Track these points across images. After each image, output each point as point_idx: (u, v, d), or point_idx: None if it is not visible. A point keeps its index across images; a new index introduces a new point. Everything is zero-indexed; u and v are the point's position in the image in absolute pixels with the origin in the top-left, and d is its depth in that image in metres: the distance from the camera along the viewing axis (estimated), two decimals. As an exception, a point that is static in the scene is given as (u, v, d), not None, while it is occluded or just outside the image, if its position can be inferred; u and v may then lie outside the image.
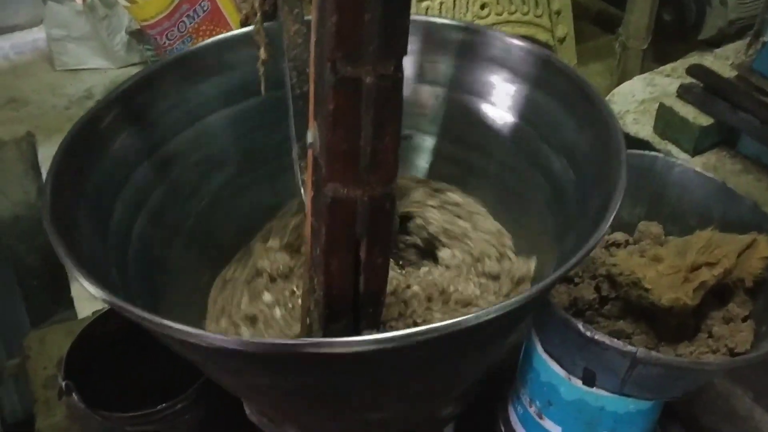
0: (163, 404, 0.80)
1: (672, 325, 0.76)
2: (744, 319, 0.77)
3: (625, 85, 1.16)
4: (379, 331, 0.46)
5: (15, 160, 1.62)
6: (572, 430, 0.86)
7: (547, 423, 0.87)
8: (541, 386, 0.86)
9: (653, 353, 0.65)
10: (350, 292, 0.42)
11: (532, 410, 0.89)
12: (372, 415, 0.51)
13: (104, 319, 0.90)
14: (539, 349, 0.84)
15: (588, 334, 0.67)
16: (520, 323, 0.56)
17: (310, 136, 0.39)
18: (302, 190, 0.57)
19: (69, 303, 1.52)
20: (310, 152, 0.41)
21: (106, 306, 0.93)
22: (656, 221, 0.87)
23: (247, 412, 0.72)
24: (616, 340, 0.66)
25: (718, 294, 0.78)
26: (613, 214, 0.47)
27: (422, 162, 0.74)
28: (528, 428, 0.92)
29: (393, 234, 0.43)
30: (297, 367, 0.40)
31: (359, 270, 0.42)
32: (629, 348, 0.66)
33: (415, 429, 0.60)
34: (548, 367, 0.83)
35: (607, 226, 0.46)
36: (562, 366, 0.80)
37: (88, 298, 1.22)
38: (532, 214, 0.68)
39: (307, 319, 0.50)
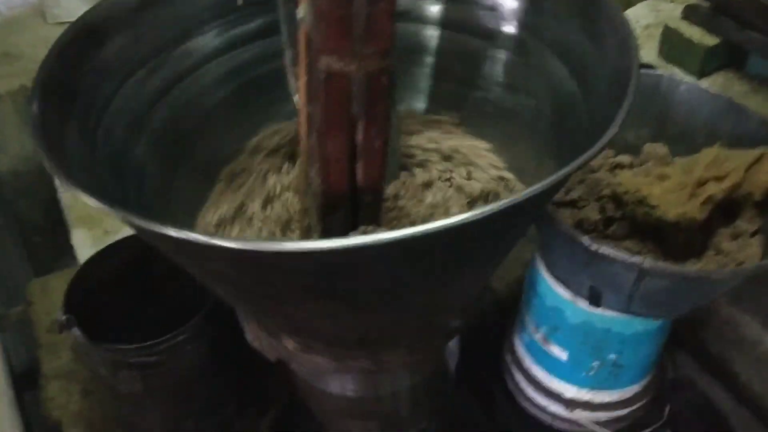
0: (165, 336, 0.79)
1: (679, 242, 0.75)
2: (752, 235, 0.75)
3: (629, 12, 1.13)
4: (378, 226, 0.44)
5: (11, 114, 1.60)
6: (578, 355, 0.85)
7: (553, 348, 0.87)
8: (547, 311, 0.85)
9: (660, 263, 0.64)
10: (347, 178, 0.40)
11: (537, 337, 0.88)
12: (369, 319, 0.49)
13: (103, 257, 0.89)
14: (544, 273, 0.83)
15: (593, 248, 0.66)
16: (527, 222, 0.54)
17: (301, 10, 0.37)
18: (295, 98, 0.56)
19: (72, 257, 1.52)
20: (303, 33, 0.39)
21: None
22: (662, 142, 0.85)
23: (249, 338, 0.71)
24: (622, 252, 0.65)
25: (726, 211, 0.77)
26: (628, 106, 0.45)
27: (423, 85, 0.72)
28: (534, 355, 0.91)
29: (392, 117, 0.41)
30: (293, 268, 0.39)
31: (356, 156, 0.40)
32: (635, 259, 0.64)
33: (416, 342, 0.59)
34: (553, 291, 0.82)
35: (622, 116, 0.44)
36: (567, 288, 0.79)
37: (89, 245, 1.21)
38: (537, 131, 0.65)
39: (306, 221, 0.49)
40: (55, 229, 1.56)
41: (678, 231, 0.74)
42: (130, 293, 0.91)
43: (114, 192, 0.54)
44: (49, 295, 1.16)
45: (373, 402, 0.71)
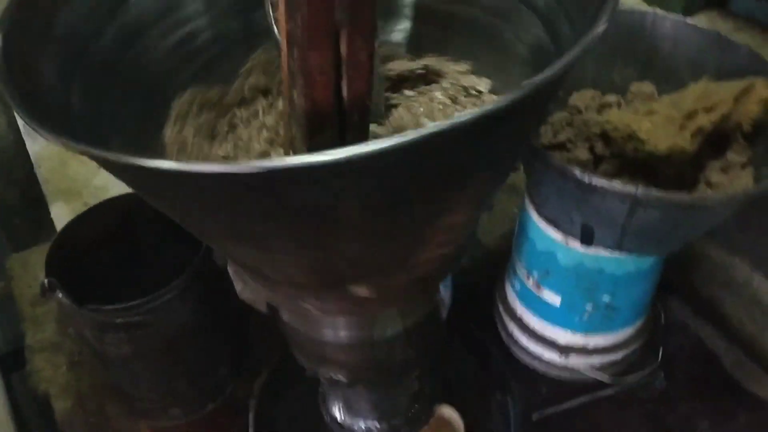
0: (152, 294, 0.77)
1: (670, 176, 0.74)
2: (743, 167, 0.74)
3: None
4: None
5: (-19, 92, 1.57)
6: (572, 298, 0.84)
7: (545, 294, 0.86)
8: (538, 256, 0.84)
9: (653, 191, 0.63)
10: (333, 94, 0.39)
11: (529, 283, 0.87)
12: (349, 249, 0.47)
13: (83, 222, 0.87)
14: (534, 216, 0.82)
15: (585, 180, 0.65)
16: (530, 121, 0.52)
17: None
18: (275, 29, 0.54)
19: (52, 233, 1.49)
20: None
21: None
22: (649, 81, 0.84)
23: (237, 289, 0.70)
24: (615, 182, 0.64)
25: (716, 144, 0.76)
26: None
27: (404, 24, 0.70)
28: (526, 303, 0.90)
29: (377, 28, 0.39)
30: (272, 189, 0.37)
31: (341, 71, 0.38)
32: (629, 188, 0.63)
33: (402, 281, 0.57)
34: (545, 234, 0.81)
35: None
36: (558, 229, 0.78)
37: (69, 219, 1.19)
38: (523, 60, 0.64)
39: (290, 151, 0.47)
40: (33, 207, 1.53)
41: (669, 165, 0.73)
42: (113, 257, 0.89)
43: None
44: (30, 269, 1.14)
45: (367, 348, 0.69)
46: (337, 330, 0.67)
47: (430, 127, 0.32)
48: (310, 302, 0.60)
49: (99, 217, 0.87)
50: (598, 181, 0.64)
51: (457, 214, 0.52)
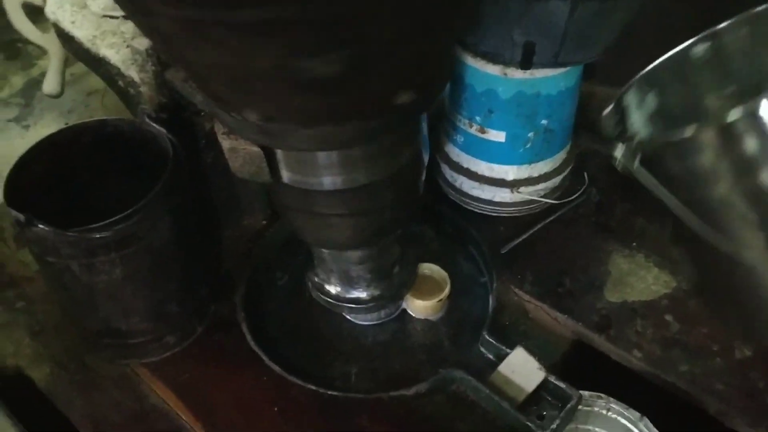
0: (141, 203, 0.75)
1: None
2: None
3: None
4: None
5: None
6: (515, 130, 0.93)
7: (490, 134, 0.94)
8: (479, 98, 0.91)
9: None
10: None
11: (473, 129, 0.95)
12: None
13: (39, 151, 0.82)
14: (470, 60, 0.89)
15: (532, -17, 0.73)
16: None
17: None
18: None
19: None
20: None
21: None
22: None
23: (236, 166, 0.70)
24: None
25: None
26: None
27: None
28: (471, 151, 0.98)
29: None
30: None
31: None
32: (573, -20, 0.72)
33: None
34: (483, 72, 0.88)
35: None
36: (497, 62, 0.86)
37: None
38: None
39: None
40: None
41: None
42: (58, 198, 0.85)
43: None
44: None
45: (363, 193, 0.72)
46: (333, 174, 0.69)
47: None
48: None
49: (36, 160, 0.82)
50: (543, -19, 0.72)
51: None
